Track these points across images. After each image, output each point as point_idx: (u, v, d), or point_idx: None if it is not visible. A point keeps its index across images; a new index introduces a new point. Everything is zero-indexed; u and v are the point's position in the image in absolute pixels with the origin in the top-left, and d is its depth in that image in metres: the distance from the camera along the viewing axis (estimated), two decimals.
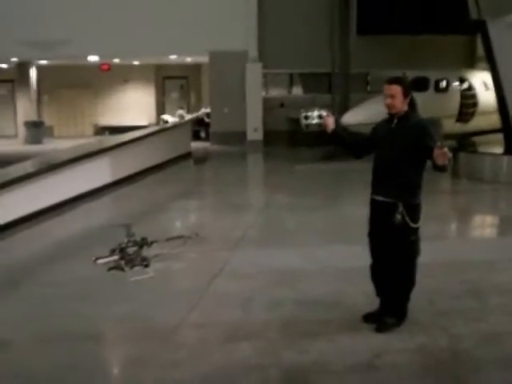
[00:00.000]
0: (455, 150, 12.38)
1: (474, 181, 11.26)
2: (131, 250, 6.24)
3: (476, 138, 14.57)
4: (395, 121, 4.26)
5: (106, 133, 22.98)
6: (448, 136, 14.34)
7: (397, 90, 4.19)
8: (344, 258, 6.13)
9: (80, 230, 7.80)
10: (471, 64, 19.43)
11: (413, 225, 4.15)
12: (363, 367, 3.80)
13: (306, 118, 4.42)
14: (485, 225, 8.82)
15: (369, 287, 4.52)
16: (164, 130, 15.46)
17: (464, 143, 13.74)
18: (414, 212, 4.17)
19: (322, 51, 17.83)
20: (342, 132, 4.50)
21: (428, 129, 4.18)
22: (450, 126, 15.58)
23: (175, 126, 16.88)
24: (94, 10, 18.11)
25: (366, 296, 4.70)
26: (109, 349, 4.38)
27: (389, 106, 4.24)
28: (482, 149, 12.61)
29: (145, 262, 5.95)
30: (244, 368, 3.80)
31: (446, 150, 3.78)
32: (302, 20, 18.22)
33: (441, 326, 4.43)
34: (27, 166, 9.32)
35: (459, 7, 13.31)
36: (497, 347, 4.10)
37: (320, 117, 4.38)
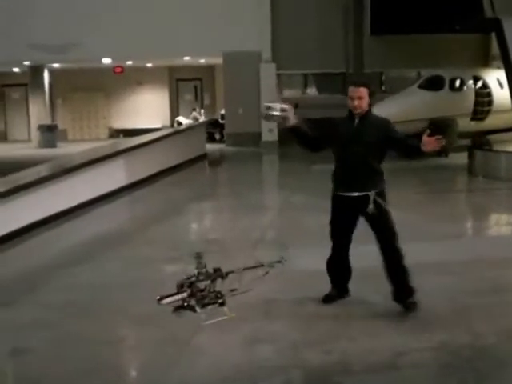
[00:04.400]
0: (470, 149, 12.33)
1: (489, 179, 11.17)
2: (202, 284, 4.74)
3: (491, 137, 14.46)
4: (357, 120, 4.49)
5: (121, 135, 23.08)
6: (463, 134, 14.26)
7: (364, 92, 4.44)
8: (364, 259, 6.07)
9: (96, 234, 7.80)
10: (486, 62, 19.29)
11: (387, 207, 4.48)
12: (386, 367, 3.79)
13: (268, 108, 4.50)
14: (502, 223, 8.75)
15: (387, 287, 4.54)
16: (179, 132, 15.48)
17: (480, 141, 13.65)
18: (384, 196, 4.51)
19: (336, 51, 17.78)
20: (303, 126, 4.64)
21: (391, 124, 4.57)
22: (465, 124, 15.47)
23: (190, 128, 16.90)
24: (106, 13, 18.13)
25: (384, 295, 4.69)
26: (128, 354, 4.37)
27: (356, 107, 4.45)
28: (497, 147, 12.51)
29: (220, 300, 4.50)
30: (266, 370, 3.79)
31: (438, 137, 4.16)
32: (315, 20, 18.18)
33: (462, 323, 4.42)
34: (42, 170, 9.31)
35: (474, 6, 13.25)
36: None
37: (282, 110, 4.48)
